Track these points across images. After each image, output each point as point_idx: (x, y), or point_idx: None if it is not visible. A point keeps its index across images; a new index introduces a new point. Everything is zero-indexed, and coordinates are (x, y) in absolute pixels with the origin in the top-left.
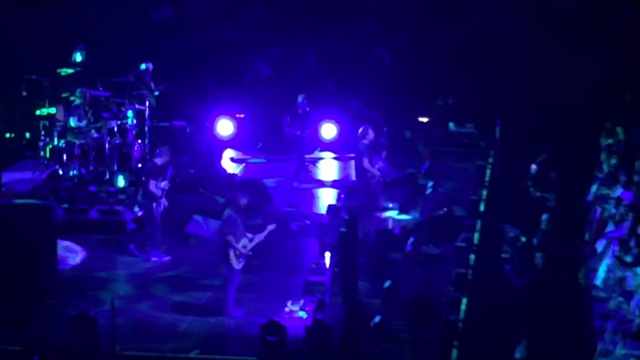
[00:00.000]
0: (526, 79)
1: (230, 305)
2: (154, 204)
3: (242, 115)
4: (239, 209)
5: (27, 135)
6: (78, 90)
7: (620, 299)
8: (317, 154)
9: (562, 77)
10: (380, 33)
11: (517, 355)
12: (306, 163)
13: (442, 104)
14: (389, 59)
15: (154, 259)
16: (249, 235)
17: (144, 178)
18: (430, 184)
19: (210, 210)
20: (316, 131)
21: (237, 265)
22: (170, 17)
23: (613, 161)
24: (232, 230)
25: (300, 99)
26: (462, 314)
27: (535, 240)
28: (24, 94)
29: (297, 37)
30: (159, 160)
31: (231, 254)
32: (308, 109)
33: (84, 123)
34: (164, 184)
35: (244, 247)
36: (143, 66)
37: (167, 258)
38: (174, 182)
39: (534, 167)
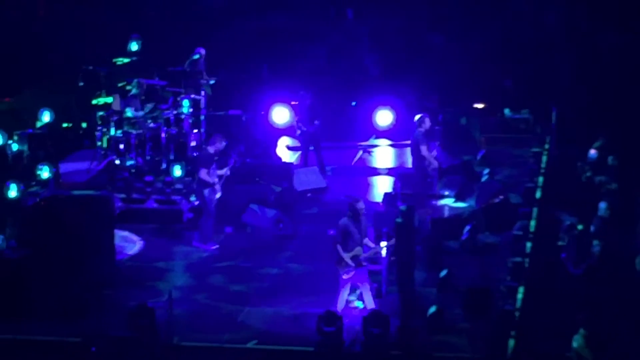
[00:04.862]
0: (581, 63)
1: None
2: (206, 191)
3: (295, 103)
4: (356, 214)
5: (84, 125)
6: (135, 80)
7: None
8: (373, 141)
9: (617, 60)
10: (435, 19)
11: (574, 344)
12: (360, 150)
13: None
14: (442, 44)
15: (202, 247)
16: (371, 244)
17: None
18: (486, 171)
19: (266, 199)
20: (370, 118)
21: (344, 274)
22: (224, 5)
23: None
24: (341, 238)
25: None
26: (518, 303)
27: (592, 228)
28: (81, 84)
29: (352, 25)
30: (211, 148)
31: (338, 263)
32: (308, 101)
33: (141, 114)
34: (224, 170)
35: (356, 256)
36: (196, 56)
37: (215, 247)
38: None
39: (593, 152)
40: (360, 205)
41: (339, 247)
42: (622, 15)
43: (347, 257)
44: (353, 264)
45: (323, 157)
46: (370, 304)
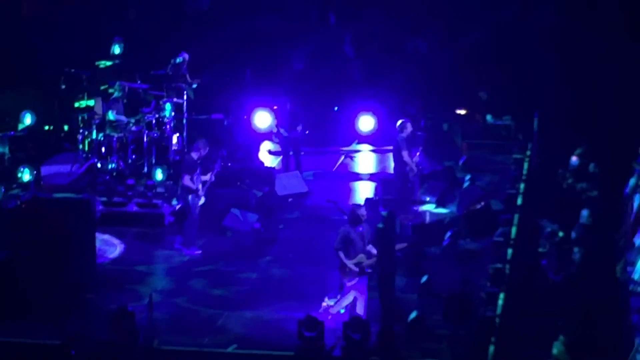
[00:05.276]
0: (564, 70)
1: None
2: (190, 197)
3: (275, 107)
4: (357, 221)
5: (66, 128)
6: (117, 83)
7: None
8: (355, 146)
9: (600, 68)
10: (417, 24)
11: (554, 350)
12: (342, 155)
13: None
14: (424, 49)
15: (184, 250)
16: (374, 251)
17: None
18: (468, 177)
19: (247, 203)
20: (353, 123)
21: (348, 282)
22: (206, 9)
23: None
24: (342, 245)
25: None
26: (499, 310)
27: (573, 235)
28: (63, 86)
29: (333, 28)
30: (195, 154)
31: (341, 269)
32: (289, 106)
33: (123, 118)
34: (208, 175)
35: (360, 263)
36: (179, 59)
37: (197, 252)
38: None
39: (574, 159)
40: (362, 211)
41: (341, 254)
42: (606, 22)
43: (350, 263)
44: (357, 270)
45: (301, 162)
46: (361, 313)
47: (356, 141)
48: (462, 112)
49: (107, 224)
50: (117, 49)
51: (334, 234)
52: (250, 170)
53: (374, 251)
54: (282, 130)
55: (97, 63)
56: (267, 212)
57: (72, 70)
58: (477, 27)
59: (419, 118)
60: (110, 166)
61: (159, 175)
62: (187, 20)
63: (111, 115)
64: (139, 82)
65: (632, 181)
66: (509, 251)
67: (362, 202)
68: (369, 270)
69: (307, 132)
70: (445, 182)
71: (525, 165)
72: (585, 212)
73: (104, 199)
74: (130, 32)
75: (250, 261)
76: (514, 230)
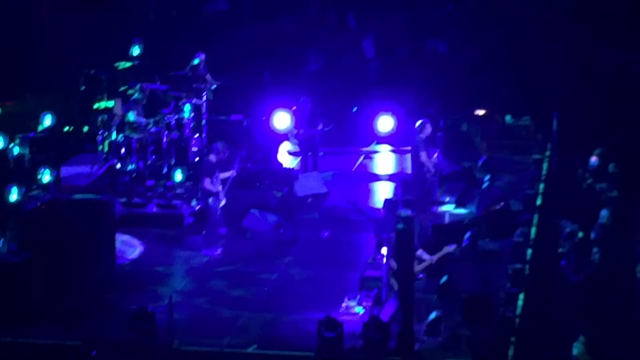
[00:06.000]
0: (583, 70)
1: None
2: (210, 200)
3: (294, 108)
4: None
5: (86, 129)
6: (138, 85)
7: None
8: (374, 147)
9: (619, 68)
10: (437, 25)
11: (574, 351)
12: (361, 155)
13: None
14: (444, 50)
15: (204, 251)
16: (425, 256)
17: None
18: (487, 177)
19: (267, 204)
20: (372, 124)
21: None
22: (225, 10)
23: None
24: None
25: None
26: (518, 310)
27: (592, 235)
28: (83, 88)
29: (353, 29)
30: (213, 157)
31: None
32: (309, 107)
33: (143, 120)
34: (230, 172)
35: None
36: (196, 60)
37: (217, 253)
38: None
39: (594, 159)
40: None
41: (392, 262)
42: (625, 25)
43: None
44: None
45: (318, 163)
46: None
47: (375, 142)
48: (481, 112)
49: (127, 225)
50: (136, 50)
51: (354, 235)
52: (269, 171)
53: (426, 256)
54: (299, 131)
55: (116, 64)
56: (287, 213)
57: (92, 71)
58: (496, 28)
59: (438, 118)
60: (129, 167)
61: (178, 176)
62: (206, 21)
63: (131, 117)
64: (158, 83)
65: None
66: (529, 252)
67: (381, 203)
68: (422, 276)
69: (331, 126)
70: (464, 182)
71: (545, 166)
72: (604, 213)
73: (123, 200)
74: (150, 33)
75: (270, 262)
76: (533, 230)
